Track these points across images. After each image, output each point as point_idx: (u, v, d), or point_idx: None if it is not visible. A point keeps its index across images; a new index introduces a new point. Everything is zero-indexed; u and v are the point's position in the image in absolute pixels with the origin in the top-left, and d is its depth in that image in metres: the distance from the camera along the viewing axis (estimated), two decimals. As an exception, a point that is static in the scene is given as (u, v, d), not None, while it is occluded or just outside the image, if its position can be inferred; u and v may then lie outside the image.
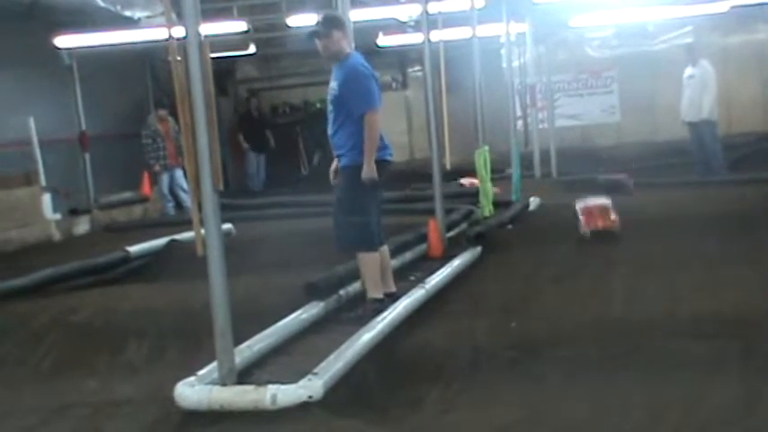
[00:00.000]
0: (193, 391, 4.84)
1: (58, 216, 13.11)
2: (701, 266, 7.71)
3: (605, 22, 19.01)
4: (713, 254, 8.22)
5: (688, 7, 16.98)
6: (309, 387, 4.79)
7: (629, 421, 4.32)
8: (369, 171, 6.54)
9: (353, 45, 7.20)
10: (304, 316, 6.46)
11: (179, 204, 15.21)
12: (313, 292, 6.79)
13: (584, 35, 20.30)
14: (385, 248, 7.07)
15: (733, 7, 17.21)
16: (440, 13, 10.99)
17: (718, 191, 12.76)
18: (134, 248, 9.58)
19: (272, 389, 4.76)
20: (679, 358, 5.16)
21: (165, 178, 15.26)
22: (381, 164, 6.69)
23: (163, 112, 15.14)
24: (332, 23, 6.73)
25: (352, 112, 6.57)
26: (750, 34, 19.68)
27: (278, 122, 21.22)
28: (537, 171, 16.29)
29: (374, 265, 6.80)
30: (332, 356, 5.26)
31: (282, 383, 4.82)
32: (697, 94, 14.69)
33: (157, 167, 15.12)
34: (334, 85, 6.70)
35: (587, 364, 5.22)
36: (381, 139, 6.70)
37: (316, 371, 4.96)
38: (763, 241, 8.64)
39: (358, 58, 6.74)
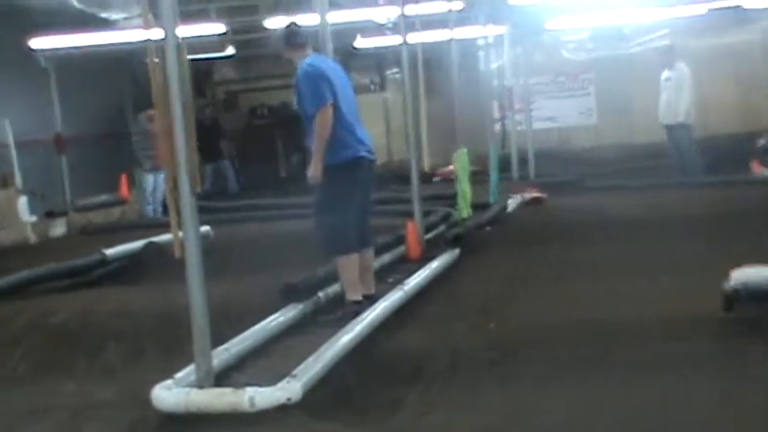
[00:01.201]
0: (171, 393, 4.82)
1: (34, 218, 13.04)
2: (676, 269, 7.75)
3: (582, 25, 19.09)
4: (688, 256, 8.26)
5: (664, 10, 17.08)
6: (288, 389, 4.78)
7: (606, 422, 4.33)
8: (314, 170, 6.53)
9: (330, 47, 7.22)
10: (282, 318, 6.44)
11: (165, 207, 15.14)
12: (291, 294, 6.77)
13: (562, 38, 20.36)
14: (370, 250, 7.06)
15: (710, 10, 17.33)
16: (417, 15, 11.00)
17: (694, 193, 12.84)
18: (111, 251, 9.54)
19: (250, 391, 4.74)
20: (653, 359, 5.18)
21: (150, 179, 15.19)
22: (356, 161, 6.67)
23: (153, 112, 15.04)
24: (286, 35, 6.85)
25: (308, 112, 6.60)
26: (727, 37, 19.78)
27: (238, 128, 21.08)
28: (515, 173, 16.32)
29: (351, 267, 6.75)
30: (310, 359, 5.25)
31: (261, 386, 4.80)
32: (674, 97, 14.77)
33: (148, 165, 15.04)
34: (295, 91, 6.80)
35: (564, 366, 5.24)
36: (355, 135, 6.68)
37: (294, 373, 4.95)
38: (738, 243, 8.70)
39: (309, 60, 6.73)
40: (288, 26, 6.98)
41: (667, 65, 15.04)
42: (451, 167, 11.68)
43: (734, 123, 19.35)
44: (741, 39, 19.72)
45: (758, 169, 14.57)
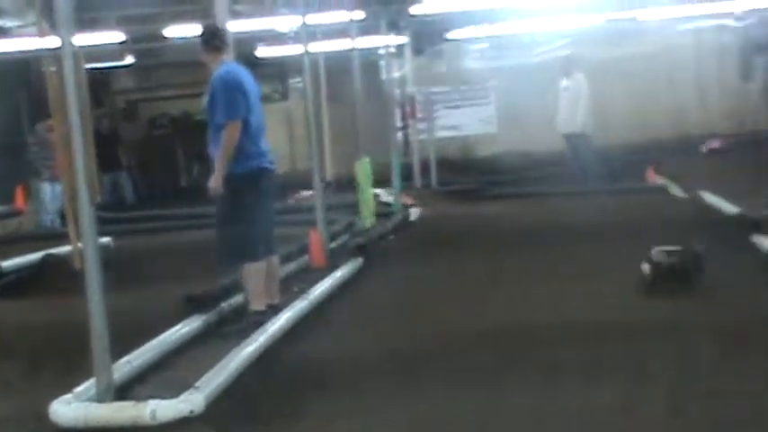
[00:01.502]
0: (70, 408, 4.73)
1: None
2: (578, 274, 7.89)
3: (483, 34, 19.31)
4: (590, 262, 8.41)
5: (563, 20, 17.38)
6: (190, 401, 4.73)
7: (511, 428, 4.38)
8: (215, 180, 6.52)
9: (233, 55, 7.16)
10: (186, 330, 6.38)
11: (63, 218, 14.83)
12: (194, 305, 6.71)
13: (463, 47, 20.58)
14: (275, 259, 7.04)
15: (608, 21, 17.69)
16: (319, 24, 11.00)
17: (592, 201, 13.06)
18: (7, 263, 9.32)
19: (151, 404, 4.68)
20: (561, 365, 5.25)
21: (48, 189, 14.87)
22: (259, 172, 6.68)
23: (52, 122, 14.71)
24: (204, 36, 6.80)
25: (218, 121, 6.56)
26: (625, 47, 20.22)
27: (137, 137, 20.80)
28: (417, 181, 16.41)
29: (258, 276, 6.73)
30: (213, 370, 5.21)
31: (163, 398, 4.75)
32: (572, 106, 15.02)
33: (47, 175, 14.70)
34: (206, 95, 6.70)
35: (469, 373, 5.27)
36: (258, 146, 6.69)
37: (197, 385, 4.90)
38: (635, 248, 8.88)
39: (228, 68, 6.71)
40: (207, 27, 6.94)
41: (565, 74, 15.30)
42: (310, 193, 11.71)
43: (630, 133, 19.78)
44: (637, 50, 20.18)
45: (653, 177, 14.92)
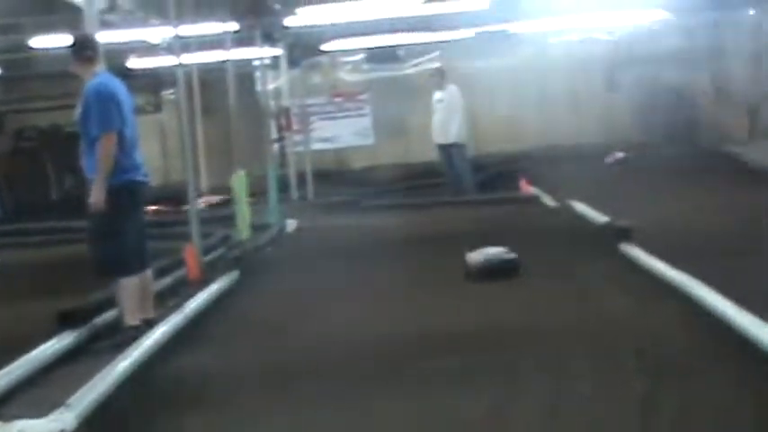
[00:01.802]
0: (-72, 431, 4.56)
1: None
2: (455, 283, 7.99)
3: (356, 47, 19.44)
4: (461, 271, 8.52)
5: (435, 33, 17.61)
6: (61, 420, 4.61)
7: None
8: (97, 195, 6.42)
9: (104, 66, 7.02)
10: (57, 346, 6.24)
11: None
12: (66, 320, 6.56)
13: (338, 59, 20.67)
14: (148, 273, 6.95)
15: (478, 33, 18.00)
16: (192, 35, 10.90)
17: (466, 211, 13.25)
18: None
19: (19, 424, 4.54)
20: (438, 374, 5.29)
21: None
22: (133, 185, 6.62)
23: None
24: (75, 47, 6.69)
25: (92, 133, 6.45)
26: (495, 59, 20.59)
27: (3, 150, 20.26)
28: (294, 194, 16.38)
29: (132, 290, 6.65)
30: (86, 387, 5.09)
31: (32, 417, 4.61)
32: (446, 118, 15.20)
33: None
34: (78, 107, 6.58)
35: (349, 386, 5.28)
36: (132, 159, 6.61)
37: (68, 403, 4.78)
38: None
39: (101, 79, 6.61)
40: (78, 37, 6.81)
41: (439, 86, 15.49)
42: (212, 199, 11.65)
43: (504, 143, 20.15)
44: (509, 62, 20.58)
45: (526, 188, 15.22)
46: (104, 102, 6.46)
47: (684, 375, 4.91)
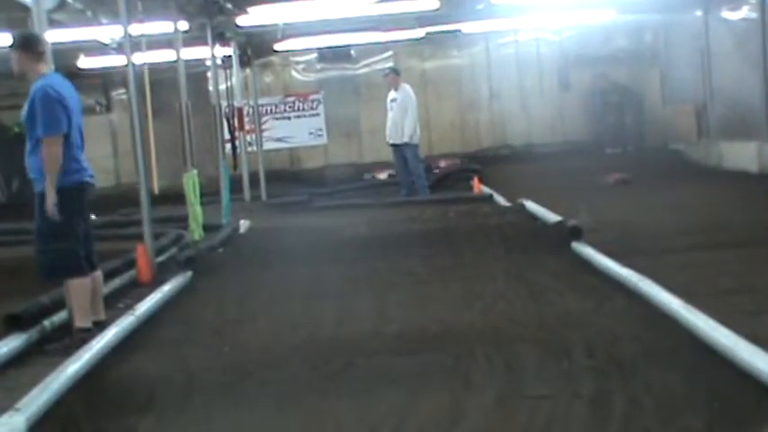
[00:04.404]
0: None
1: None
2: (407, 284, 8.00)
3: (308, 46, 19.43)
4: (418, 271, 8.54)
5: (387, 33, 17.65)
6: (10, 424, 4.56)
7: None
8: (49, 198, 6.36)
9: (52, 66, 6.95)
10: (5, 349, 6.17)
11: None
12: (14, 323, 6.49)
13: (290, 58, 20.65)
14: (98, 274, 6.91)
15: (428, 34, 18.08)
16: (143, 35, 10.83)
17: (418, 210, 13.28)
18: None
19: (-33, 429, 4.50)
20: (388, 374, 5.31)
21: None
22: (81, 186, 6.59)
23: None
24: (17, 43, 6.61)
25: (37, 134, 6.40)
26: (446, 59, 20.70)
27: None
28: (246, 194, 16.32)
29: (83, 291, 6.60)
30: (35, 390, 5.04)
31: (-21, 423, 4.56)
32: (399, 118, 15.25)
33: None
34: (25, 107, 6.51)
35: (301, 386, 5.26)
36: (78, 161, 6.56)
37: (18, 406, 4.73)
38: (464, 257, 9.10)
39: (49, 80, 6.53)
40: (26, 33, 6.73)
41: (392, 86, 15.53)
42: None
43: (455, 142, 20.27)
44: (461, 61, 20.70)
45: (479, 188, 15.31)
46: (51, 104, 6.39)
47: (633, 369, 4.97)
